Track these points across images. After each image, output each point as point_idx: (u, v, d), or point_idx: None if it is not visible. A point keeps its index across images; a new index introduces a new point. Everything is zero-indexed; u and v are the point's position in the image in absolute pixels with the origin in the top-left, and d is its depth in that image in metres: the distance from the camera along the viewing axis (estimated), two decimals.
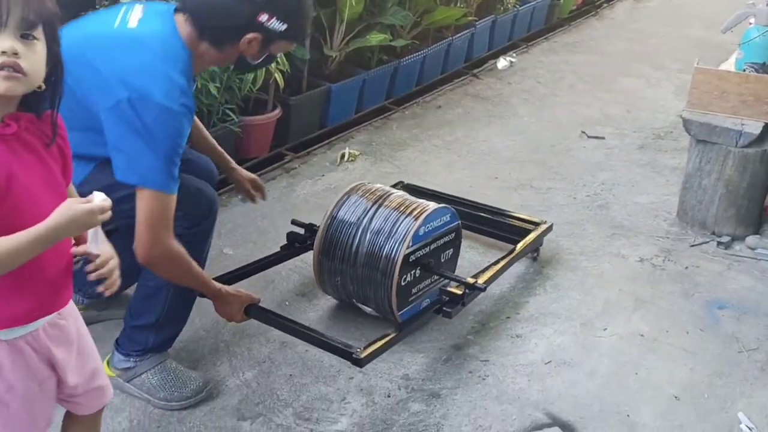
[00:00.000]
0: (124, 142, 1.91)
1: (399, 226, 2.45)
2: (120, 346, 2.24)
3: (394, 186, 3.26)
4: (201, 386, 2.26)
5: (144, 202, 1.91)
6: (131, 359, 2.22)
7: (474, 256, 3.07)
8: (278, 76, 3.47)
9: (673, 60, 5.67)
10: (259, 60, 2.09)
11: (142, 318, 2.19)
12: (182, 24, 1.99)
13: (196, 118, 2.50)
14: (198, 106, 3.30)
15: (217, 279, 2.51)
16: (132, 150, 1.90)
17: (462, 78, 5.13)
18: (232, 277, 2.56)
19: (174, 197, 1.95)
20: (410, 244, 2.41)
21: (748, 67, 3.21)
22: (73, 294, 1.93)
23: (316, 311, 2.70)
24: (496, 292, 2.84)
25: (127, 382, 2.23)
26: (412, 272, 2.47)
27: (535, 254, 3.04)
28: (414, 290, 2.51)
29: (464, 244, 2.89)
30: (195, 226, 2.10)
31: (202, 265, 2.21)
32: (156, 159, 1.89)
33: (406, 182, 3.37)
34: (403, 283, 2.43)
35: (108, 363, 2.27)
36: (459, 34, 4.99)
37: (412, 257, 2.44)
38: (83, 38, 1.98)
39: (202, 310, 2.59)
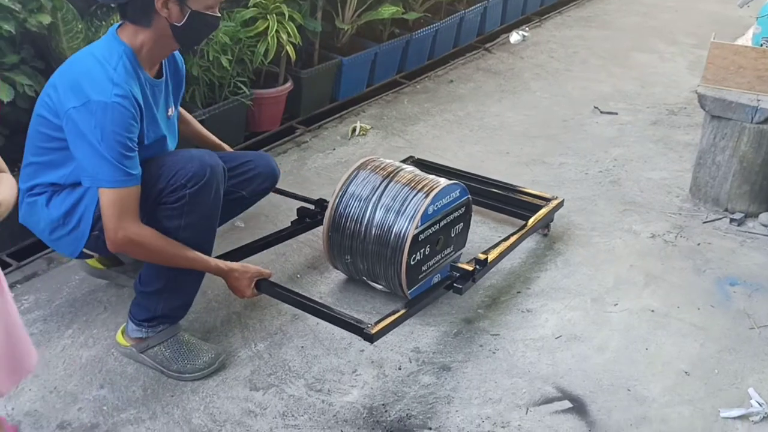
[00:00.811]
0: (74, 148, 2.04)
1: (408, 205, 2.44)
2: (132, 314, 2.26)
3: (405, 161, 3.26)
4: (213, 358, 2.28)
5: (102, 199, 2.03)
6: (143, 329, 2.25)
7: (485, 231, 3.07)
8: (290, 49, 3.45)
9: (687, 35, 5.60)
10: (185, 20, 2.09)
11: (151, 284, 2.22)
12: (122, 30, 2.13)
13: (188, 115, 2.61)
14: (210, 78, 3.30)
15: (228, 253, 2.52)
16: (80, 154, 2.03)
17: (474, 52, 5.09)
18: (244, 252, 2.58)
19: (132, 189, 2.04)
20: (419, 224, 2.40)
21: (765, 42, 3.17)
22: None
23: (328, 284, 2.71)
24: (506, 266, 2.84)
25: (141, 353, 2.26)
26: (422, 250, 2.47)
27: (546, 230, 3.03)
28: (424, 268, 2.51)
29: (475, 219, 2.89)
30: (191, 188, 2.12)
31: (205, 232, 2.23)
32: (101, 159, 1.99)
33: (416, 157, 3.36)
34: (412, 263, 2.44)
35: (123, 332, 2.29)
36: (472, 8, 4.94)
37: (422, 236, 2.43)
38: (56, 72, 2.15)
39: (214, 282, 2.61)
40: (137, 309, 2.25)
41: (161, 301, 2.23)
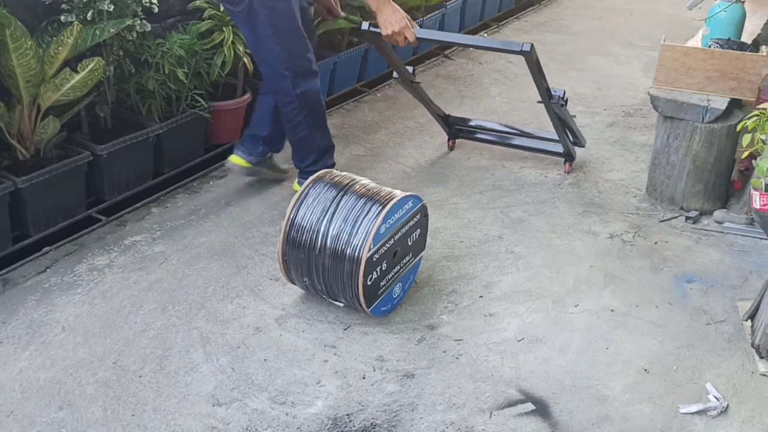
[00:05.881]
0: None
1: (359, 227, 2.42)
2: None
3: (446, 118, 3.71)
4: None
5: None
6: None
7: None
8: (247, 60, 3.44)
9: (642, 38, 5.70)
10: None
11: (306, 159, 3.18)
12: None
13: None
14: (166, 92, 3.28)
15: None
16: None
17: (434, 59, 5.12)
18: None
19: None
20: (371, 246, 2.39)
21: (713, 44, 3.24)
22: (245, 155, 3.26)
23: (291, 295, 2.70)
24: (469, 271, 2.86)
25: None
26: (378, 268, 2.46)
27: (568, 165, 3.55)
28: (383, 283, 2.51)
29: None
30: None
31: None
32: None
33: (452, 115, 3.79)
34: (369, 282, 2.43)
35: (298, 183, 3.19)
36: (430, 15, 4.97)
37: (376, 256, 2.43)
38: None
39: (174, 298, 2.59)
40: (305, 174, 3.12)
41: (319, 161, 3.22)
